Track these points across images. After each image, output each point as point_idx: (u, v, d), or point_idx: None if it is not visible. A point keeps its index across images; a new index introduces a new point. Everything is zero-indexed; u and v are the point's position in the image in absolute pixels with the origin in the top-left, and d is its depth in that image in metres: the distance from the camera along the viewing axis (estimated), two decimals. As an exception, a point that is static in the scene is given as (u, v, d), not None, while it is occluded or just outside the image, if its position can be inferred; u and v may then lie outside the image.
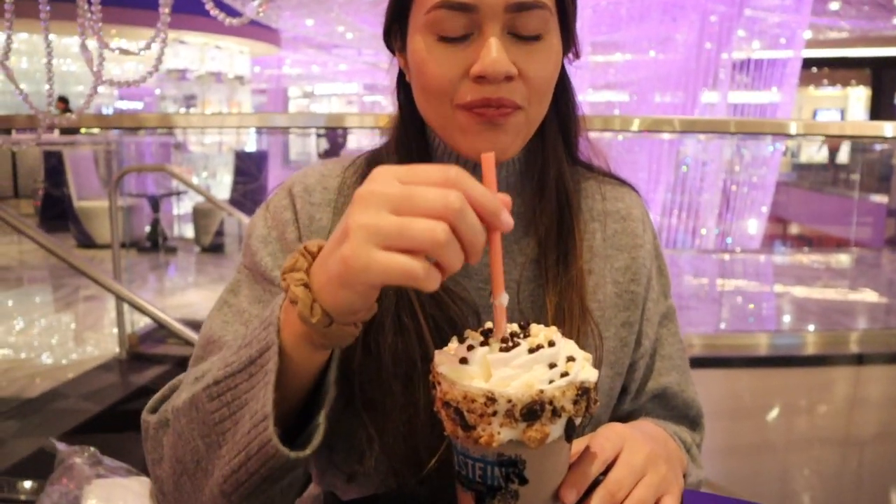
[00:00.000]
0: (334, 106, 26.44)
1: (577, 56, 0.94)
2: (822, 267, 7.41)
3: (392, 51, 0.94)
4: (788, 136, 6.68)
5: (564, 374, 0.60)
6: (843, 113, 25.02)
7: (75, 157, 8.43)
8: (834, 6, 12.12)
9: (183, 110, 13.59)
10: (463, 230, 0.56)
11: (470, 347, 0.63)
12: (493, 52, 0.79)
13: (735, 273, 6.79)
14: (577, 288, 0.91)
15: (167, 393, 0.84)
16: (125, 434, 3.27)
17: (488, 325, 0.66)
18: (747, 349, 3.87)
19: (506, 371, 0.60)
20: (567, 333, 0.87)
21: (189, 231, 8.55)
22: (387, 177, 0.59)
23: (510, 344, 0.62)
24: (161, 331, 4.32)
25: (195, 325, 4.49)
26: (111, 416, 3.45)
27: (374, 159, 0.96)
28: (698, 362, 3.60)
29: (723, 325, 4.82)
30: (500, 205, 0.58)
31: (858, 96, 24.77)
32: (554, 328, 0.66)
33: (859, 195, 7.90)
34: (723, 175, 9.57)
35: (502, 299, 0.62)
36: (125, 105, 19.45)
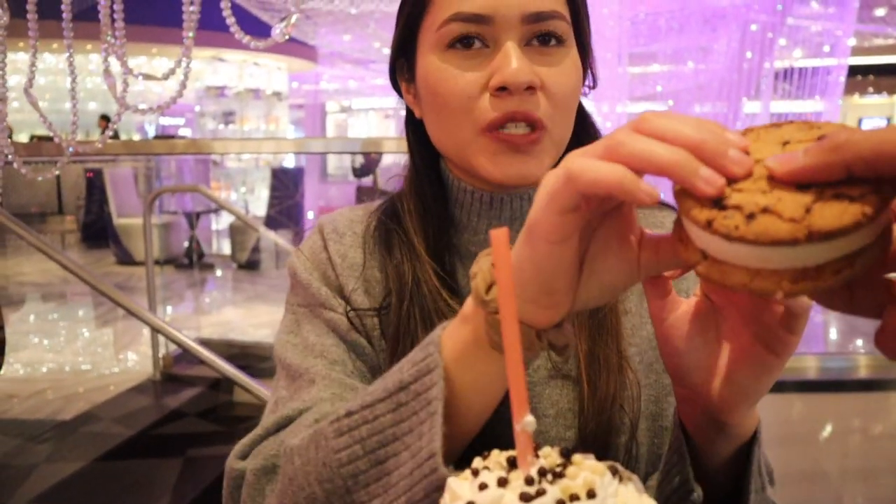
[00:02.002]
0: (371, 119, 26.59)
1: (593, 86, 0.89)
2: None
3: (398, 89, 0.90)
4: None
5: None
6: (889, 121, 24.43)
7: (115, 174, 8.56)
8: (880, 12, 11.81)
9: (222, 126, 13.75)
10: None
11: (483, 486, 0.46)
12: (514, 61, 0.74)
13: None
14: (613, 332, 0.82)
15: (261, 435, 0.74)
16: (157, 459, 3.24)
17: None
18: (797, 372, 3.72)
19: None
20: (603, 385, 0.79)
21: (226, 247, 8.61)
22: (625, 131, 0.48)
23: (535, 490, 0.45)
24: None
25: (231, 345, 4.50)
26: (143, 440, 3.42)
27: (392, 206, 0.91)
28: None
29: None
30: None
31: (905, 104, 24.16)
32: (603, 466, 0.47)
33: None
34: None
35: (525, 424, 0.47)
36: (167, 121, 19.83)
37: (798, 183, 0.41)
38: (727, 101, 9.42)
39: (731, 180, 0.44)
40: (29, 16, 2.06)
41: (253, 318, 5.96)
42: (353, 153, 7.95)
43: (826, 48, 9.76)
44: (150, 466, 3.17)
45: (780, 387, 3.67)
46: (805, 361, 3.83)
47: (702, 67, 10.03)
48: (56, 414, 3.81)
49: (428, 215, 0.86)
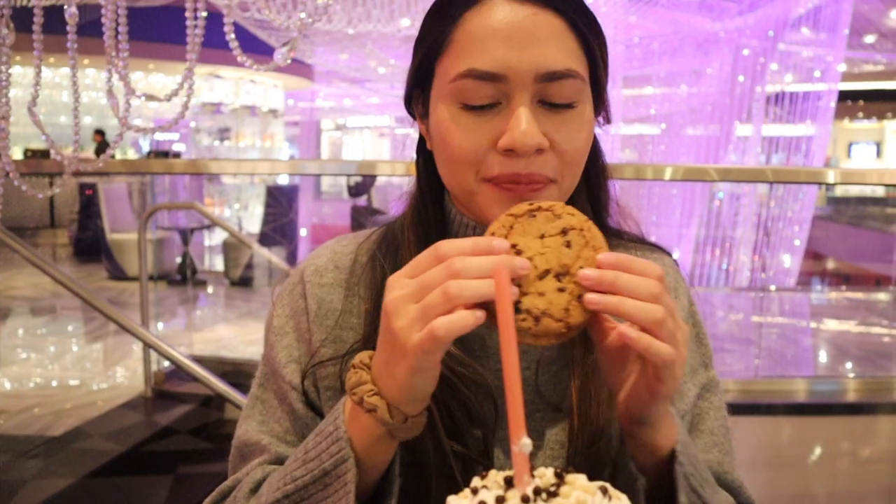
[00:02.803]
0: (366, 138, 26.65)
1: (607, 121, 0.89)
2: (861, 305, 7.20)
3: (413, 116, 0.90)
4: (826, 183, 6.55)
5: None
6: (878, 146, 24.63)
7: (109, 189, 8.56)
8: (869, 39, 11.96)
9: (217, 143, 13.78)
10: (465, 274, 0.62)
11: None
12: (523, 124, 0.74)
13: (771, 312, 6.62)
14: None
15: (219, 498, 0.86)
16: (148, 477, 3.23)
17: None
18: (786, 395, 3.74)
19: None
20: (594, 418, 0.81)
21: (219, 264, 8.60)
22: (398, 281, 0.66)
23: None
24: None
25: (223, 361, 4.50)
26: (133, 457, 3.41)
27: (388, 234, 0.92)
28: (734, 409, 3.46)
29: (756, 363, 4.68)
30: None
31: (894, 129, 24.38)
32: (594, 486, 0.52)
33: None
34: (757, 209, 9.42)
35: (522, 446, 0.51)
36: (161, 137, 19.82)
37: (553, 274, 0.65)
38: (719, 123, 9.51)
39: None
40: (35, 35, 2.08)
41: (245, 335, 5.95)
42: (349, 175, 7.99)
43: (817, 73, 9.87)
44: (141, 483, 3.16)
45: (769, 410, 3.68)
46: (794, 385, 3.85)
47: (694, 91, 10.13)
48: (46, 430, 3.79)
49: (429, 245, 0.87)
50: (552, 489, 0.51)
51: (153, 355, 4.26)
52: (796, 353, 5.42)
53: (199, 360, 3.59)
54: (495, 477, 0.53)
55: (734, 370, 4.53)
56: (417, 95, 0.87)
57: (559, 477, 0.53)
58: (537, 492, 0.51)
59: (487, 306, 0.63)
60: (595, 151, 0.89)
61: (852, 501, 3.58)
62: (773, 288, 8.52)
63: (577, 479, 0.52)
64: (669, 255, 0.98)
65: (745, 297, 7.61)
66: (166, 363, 4.37)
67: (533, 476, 0.52)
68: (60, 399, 4.33)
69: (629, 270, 0.65)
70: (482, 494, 0.51)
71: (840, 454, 3.65)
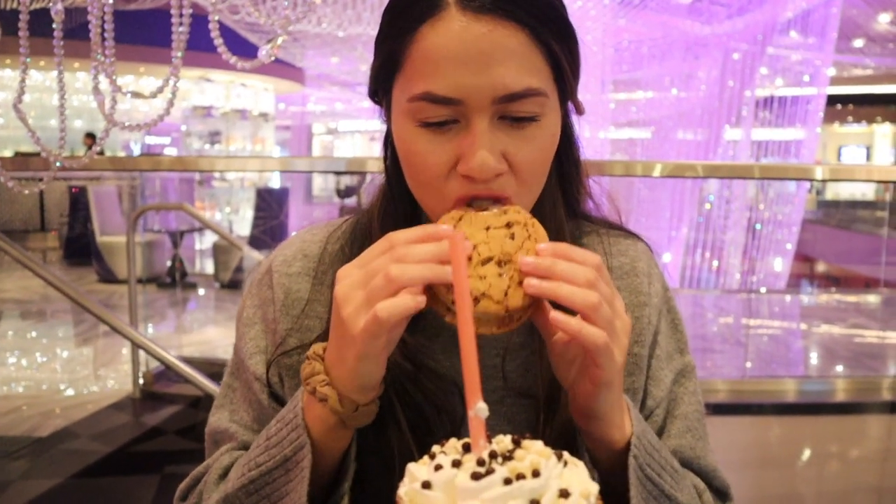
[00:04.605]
0: (357, 142, 26.67)
1: (579, 112, 0.88)
2: (851, 308, 7.24)
3: (379, 104, 0.88)
4: (814, 180, 6.58)
5: None
6: (868, 150, 24.79)
7: (99, 192, 8.53)
8: (857, 44, 12.06)
9: (207, 146, 13.75)
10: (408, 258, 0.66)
11: (438, 467, 0.52)
12: (480, 153, 0.73)
13: (761, 314, 6.64)
14: None
15: (192, 483, 0.89)
16: (133, 477, 3.21)
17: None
18: (775, 395, 3.75)
19: None
20: (563, 407, 0.81)
21: (209, 267, 8.58)
22: (348, 271, 0.70)
23: (485, 469, 0.50)
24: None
25: (213, 363, 4.48)
26: (120, 457, 3.39)
27: (358, 224, 0.92)
28: (724, 409, 3.49)
29: (749, 366, 4.70)
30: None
31: (884, 133, 24.56)
32: (549, 451, 0.53)
33: (888, 233, 7.73)
34: (747, 212, 9.46)
35: (478, 410, 0.53)
36: (152, 140, 19.78)
37: (496, 261, 0.67)
38: (709, 127, 9.55)
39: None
40: (21, 34, 2.07)
41: (234, 337, 5.93)
42: (338, 173, 7.99)
43: (806, 77, 9.93)
44: (128, 483, 3.15)
45: (758, 410, 3.69)
46: (783, 385, 3.87)
47: (684, 95, 10.17)
48: (33, 431, 3.77)
49: None
50: (508, 453, 0.52)
51: (142, 357, 4.25)
52: (786, 355, 5.44)
53: (188, 361, 3.58)
54: (454, 444, 0.55)
55: (724, 371, 4.55)
56: (382, 93, 0.85)
57: (516, 443, 0.54)
58: (493, 455, 0.52)
59: (431, 290, 0.66)
60: (571, 144, 0.88)
61: (840, 501, 3.59)
62: (763, 290, 8.56)
63: (534, 445, 0.54)
64: (643, 240, 0.98)
65: (735, 300, 7.64)
66: (154, 365, 4.36)
67: (490, 442, 0.54)
68: (48, 400, 4.31)
69: (568, 258, 0.67)
70: (439, 459, 0.53)
71: (828, 454, 3.67)
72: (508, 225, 0.70)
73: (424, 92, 0.74)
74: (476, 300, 0.65)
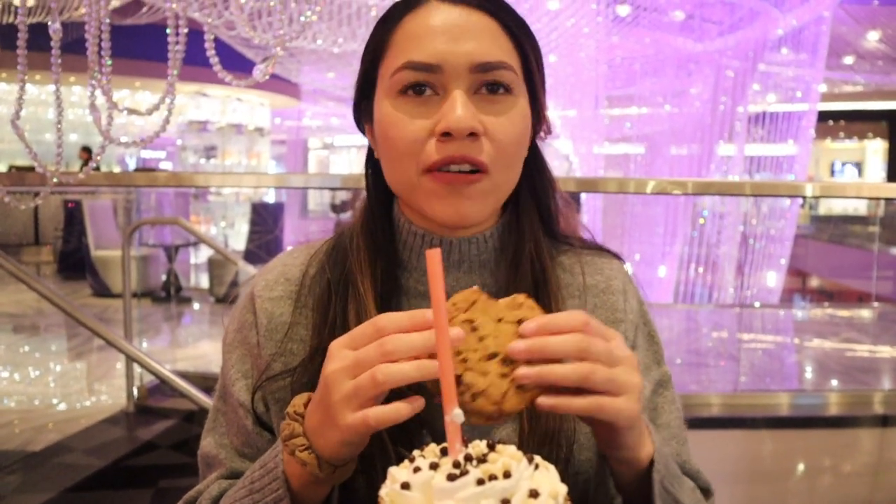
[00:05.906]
0: (353, 157, 26.71)
1: (548, 132, 0.93)
2: (843, 322, 7.27)
3: (361, 129, 0.94)
4: (805, 196, 6.62)
5: None
6: (860, 166, 24.92)
7: (94, 206, 8.53)
8: (848, 60, 12.17)
9: (203, 161, 13.77)
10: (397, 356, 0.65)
11: (417, 469, 0.57)
12: (458, 109, 0.79)
13: (754, 328, 6.67)
14: None
15: None
16: (127, 491, 3.21)
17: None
18: (767, 409, 3.76)
19: None
20: (543, 423, 0.83)
21: (204, 281, 8.58)
22: (339, 352, 0.69)
23: (460, 470, 0.55)
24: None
25: (207, 377, 4.48)
26: (114, 472, 3.39)
27: (339, 244, 0.93)
28: (716, 423, 3.50)
29: (743, 380, 4.71)
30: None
31: (875, 149, 24.68)
32: (520, 454, 0.58)
33: (879, 248, 7.78)
34: (740, 227, 9.50)
35: (454, 416, 0.57)
36: (148, 154, 19.79)
37: (500, 359, 0.67)
38: (702, 143, 9.60)
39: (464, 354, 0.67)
40: (19, 50, 2.10)
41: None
42: (333, 189, 8.02)
43: (798, 94, 10.01)
44: (122, 498, 3.14)
45: (752, 423, 3.70)
46: (775, 398, 3.88)
47: (677, 111, 10.24)
48: (26, 445, 3.76)
49: (377, 254, 0.89)
50: (482, 456, 0.57)
51: (136, 371, 4.25)
52: (779, 369, 5.46)
53: (183, 375, 3.59)
54: (433, 448, 0.60)
55: (717, 385, 4.56)
56: (365, 106, 0.91)
57: (490, 447, 0.59)
58: (468, 458, 0.57)
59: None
60: (536, 158, 0.93)
61: (832, 514, 3.59)
62: (756, 304, 8.59)
63: (507, 449, 0.58)
64: (619, 258, 1.01)
65: (728, 314, 7.66)
66: (149, 379, 4.35)
67: (466, 446, 0.59)
68: (41, 414, 4.30)
69: (554, 331, 0.67)
70: (418, 462, 0.58)
71: (821, 468, 3.68)
72: (520, 322, 0.69)
73: (406, 61, 0.81)
74: (473, 396, 0.65)
